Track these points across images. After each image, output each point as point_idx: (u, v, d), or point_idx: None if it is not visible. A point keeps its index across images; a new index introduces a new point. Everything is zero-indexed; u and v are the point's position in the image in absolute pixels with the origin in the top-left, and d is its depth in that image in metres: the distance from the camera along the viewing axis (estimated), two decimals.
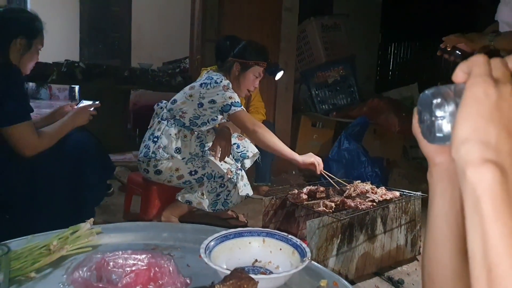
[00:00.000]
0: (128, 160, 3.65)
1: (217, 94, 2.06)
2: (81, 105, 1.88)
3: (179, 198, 2.13)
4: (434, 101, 0.44)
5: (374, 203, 1.84)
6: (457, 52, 1.88)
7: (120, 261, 0.84)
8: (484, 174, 0.34)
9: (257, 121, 2.12)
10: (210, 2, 3.61)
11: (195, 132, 2.16)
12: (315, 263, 0.99)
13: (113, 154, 3.24)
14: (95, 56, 8.08)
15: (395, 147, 4.14)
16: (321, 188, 2.01)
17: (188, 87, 2.20)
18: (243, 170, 2.18)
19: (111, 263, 0.84)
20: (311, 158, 2.03)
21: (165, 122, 2.15)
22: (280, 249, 1.00)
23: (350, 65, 4.45)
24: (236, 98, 2.08)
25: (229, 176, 2.07)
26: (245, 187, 2.13)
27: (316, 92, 4.44)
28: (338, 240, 1.71)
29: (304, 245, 0.97)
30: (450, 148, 0.39)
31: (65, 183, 1.67)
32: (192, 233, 1.15)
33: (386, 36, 6.25)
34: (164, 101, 2.29)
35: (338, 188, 2.11)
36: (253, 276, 0.78)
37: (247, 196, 2.15)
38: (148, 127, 2.24)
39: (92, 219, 1.08)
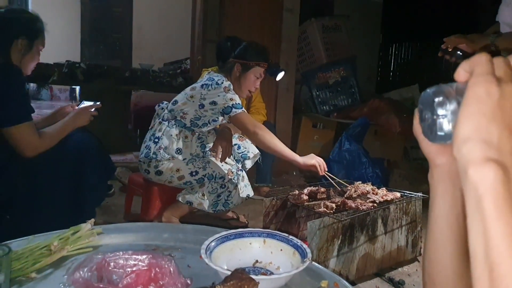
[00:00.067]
0: (129, 160, 3.64)
1: (218, 96, 2.06)
2: (82, 105, 1.88)
3: (180, 199, 2.13)
4: (436, 100, 0.44)
5: (375, 204, 1.84)
6: (458, 53, 1.87)
7: (121, 261, 0.84)
8: (486, 173, 0.34)
9: (258, 123, 2.12)
10: (211, 3, 3.62)
11: (196, 133, 2.17)
12: (316, 264, 0.99)
13: (114, 154, 3.24)
14: (96, 57, 8.09)
15: (396, 148, 4.13)
16: (322, 189, 2.01)
17: (189, 88, 2.20)
18: (244, 171, 2.18)
19: (112, 264, 0.84)
20: (312, 160, 2.03)
21: (166, 123, 2.15)
22: (281, 250, 1.00)
23: (351, 66, 4.45)
24: (237, 100, 2.08)
25: (230, 177, 2.07)
26: (245, 188, 2.13)
27: (317, 93, 4.44)
28: (339, 241, 1.71)
29: (304, 246, 0.96)
30: (451, 149, 0.39)
31: (66, 183, 1.67)
32: (192, 234, 1.15)
33: (387, 37, 6.26)
34: (165, 102, 2.29)
35: (339, 189, 2.11)
36: (253, 276, 0.78)
37: (247, 197, 2.15)
38: (149, 128, 2.24)
39: (93, 220, 1.08)
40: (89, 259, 0.84)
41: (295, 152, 2.06)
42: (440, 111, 0.44)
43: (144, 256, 0.85)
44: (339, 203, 1.82)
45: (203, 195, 2.10)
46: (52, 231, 1.07)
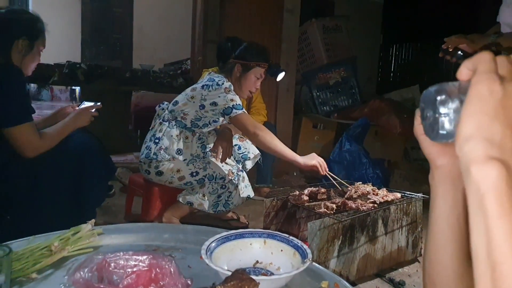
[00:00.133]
0: (130, 161, 3.64)
1: (219, 97, 2.06)
2: (82, 106, 1.88)
3: (180, 199, 2.13)
4: (438, 98, 0.44)
5: (375, 205, 1.84)
6: (459, 53, 1.87)
7: (121, 262, 0.84)
8: (488, 171, 0.34)
9: (258, 124, 2.12)
10: (211, 3, 3.62)
11: (197, 134, 2.17)
12: (316, 265, 0.99)
13: (115, 155, 3.23)
14: (96, 57, 8.09)
15: (396, 149, 4.13)
16: (322, 190, 2.01)
17: (189, 88, 2.20)
18: (244, 172, 2.18)
19: (112, 264, 0.84)
20: (313, 161, 2.03)
21: (167, 124, 2.15)
22: (281, 250, 0.99)
23: (351, 67, 4.45)
24: (238, 101, 2.08)
25: (230, 177, 2.07)
26: (246, 189, 2.13)
27: (317, 93, 4.44)
28: (339, 242, 1.70)
29: (305, 246, 0.96)
30: (452, 150, 0.38)
31: (67, 184, 1.68)
32: (193, 234, 1.14)
33: (387, 37, 6.26)
34: (166, 103, 2.29)
35: (340, 189, 2.11)
36: (254, 277, 0.78)
37: (248, 197, 2.15)
38: (150, 128, 2.24)
39: (93, 220, 1.08)
40: (90, 259, 0.84)
41: (295, 152, 2.06)
42: (442, 110, 0.44)
43: (145, 257, 0.85)
44: (339, 204, 1.82)
45: (204, 195, 2.10)
46: (53, 231, 1.06)
